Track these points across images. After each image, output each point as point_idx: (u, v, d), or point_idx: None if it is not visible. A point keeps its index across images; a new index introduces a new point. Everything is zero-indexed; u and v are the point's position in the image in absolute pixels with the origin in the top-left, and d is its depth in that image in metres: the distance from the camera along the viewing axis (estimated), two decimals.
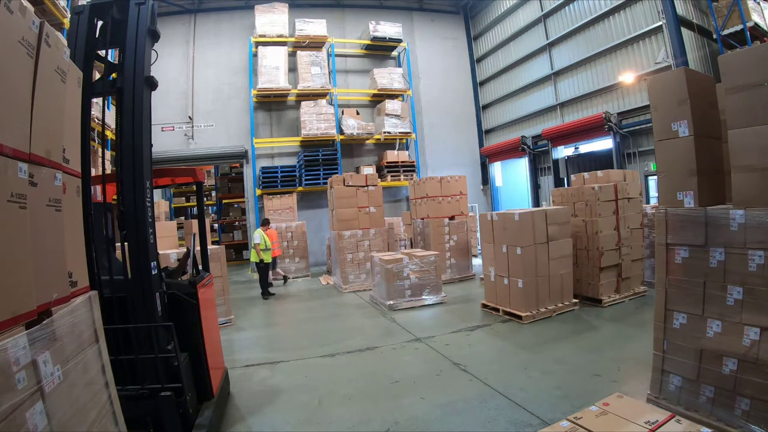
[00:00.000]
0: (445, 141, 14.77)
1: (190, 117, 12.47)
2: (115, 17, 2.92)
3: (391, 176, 12.95)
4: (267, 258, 8.59)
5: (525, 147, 13.26)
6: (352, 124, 12.75)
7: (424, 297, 7.03)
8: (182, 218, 16.31)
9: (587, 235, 6.34)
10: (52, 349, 1.36)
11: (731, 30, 8.52)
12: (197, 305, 3.31)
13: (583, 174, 7.40)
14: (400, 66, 14.12)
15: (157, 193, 14.37)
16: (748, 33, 8.33)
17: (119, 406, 1.83)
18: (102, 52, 3.01)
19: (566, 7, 11.78)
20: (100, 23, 2.97)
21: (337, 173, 11.62)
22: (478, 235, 8.39)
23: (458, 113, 15.24)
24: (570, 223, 6.23)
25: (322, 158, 12.31)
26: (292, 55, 12.74)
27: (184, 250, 4.40)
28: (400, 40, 13.64)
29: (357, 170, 12.64)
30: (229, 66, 12.90)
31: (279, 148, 12.96)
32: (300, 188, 12.34)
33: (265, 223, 9.27)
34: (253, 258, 8.68)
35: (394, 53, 14.35)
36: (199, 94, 12.64)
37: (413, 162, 13.44)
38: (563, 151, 12.54)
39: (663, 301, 3.09)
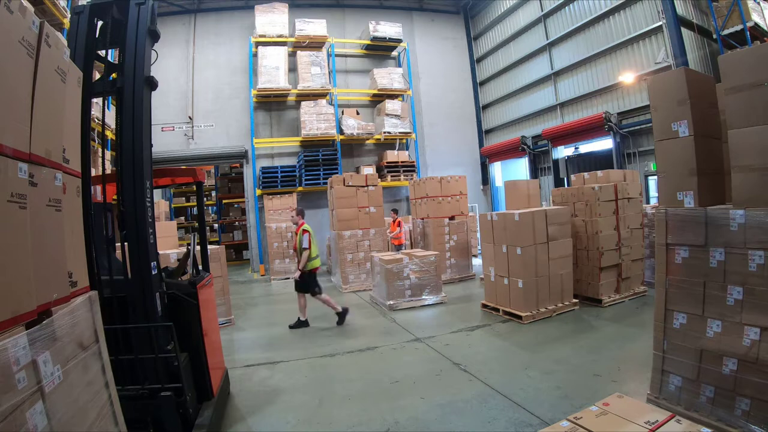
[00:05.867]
0: (445, 141, 14.77)
1: (190, 117, 12.47)
2: (115, 17, 2.92)
3: (391, 176, 12.95)
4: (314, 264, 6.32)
5: (525, 147, 13.26)
6: (352, 124, 12.75)
7: (424, 297, 7.03)
8: (182, 218, 16.33)
9: (587, 235, 6.34)
10: (52, 349, 1.36)
11: (731, 30, 8.52)
12: (197, 305, 3.31)
13: (583, 174, 7.40)
14: (400, 66, 14.12)
15: (157, 193, 14.36)
16: (748, 33, 8.32)
17: (119, 406, 1.83)
18: (102, 52, 3.01)
19: (566, 7, 11.78)
20: (100, 23, 2.97)
21: (337, 173, 11.61)
22: (478, 235, 8.39)
23: (458, 113, 15.24)
24: (570, 223, 6.24)
25: (322, 158, 12.31)
26: (292, 55, 12.73)
27: (184, 250, 4.40)
28: (400, 40, 13.64)
29: (357, 170, 12.63)
30: (229, 66, 12.90)
31: (279, 148, 12.96)
32: (300, 188, 12.34)
33: (395, 211, 7.86)
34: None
35: (394, 53, 14.35)
36: (199, 94, 12.64)
37: (413, 162, 13.44)
38: (563, 151, 12.54)
39: (663, 301, 3.09)
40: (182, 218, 16.36)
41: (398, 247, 9.88)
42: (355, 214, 9.05)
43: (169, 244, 7.77)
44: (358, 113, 13.27)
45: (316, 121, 12.22)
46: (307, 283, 6.22)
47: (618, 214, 6.43)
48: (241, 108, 12.73)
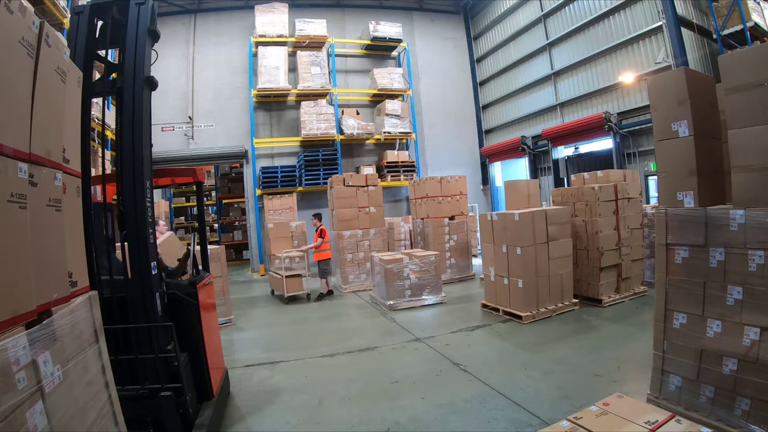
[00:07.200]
0: (445, 141, 14.77)
1: (190, 117, 12.46)
2: (115, 17, 2.92)
3: (391, 176, 12.95)
4: None
5: (525, 147, 13.26)
6: (352, 124, 12.75)
7: (424, 297, 7.03)
8: (182, 218, 16.33)
9: (587, 235, 6.34)
10: (52, 349, 1.36)
11: (731, 30, 8.52)
12: (197, 305, 3.31)
13: (583, 174, 7.40)
14: (400, 66, 14.12)
15: (157, 193, 14.37)
16: (748, 33, 8.32)
17: (119, 406, 1.83)
18: (102, 52, 3.01)
19: (566, 7, 11.78)
20: (100, 23, 2.97)
21: (337, 173, 11.61)
22: (478, 235, 8.39)
23: (458, 113, 15.24)
24: (570, 223, 6.23)
25: (322, 158, 12.31)
26: (292, 55, 12.73)
27: (184, 250, 4.40)
28: (400, 40, 13.64)
29: (357, 170, 12.63)
30: (229, 66, 12.90)
31: (279, 148, 12.96)
32: (300, 188, 12.34)
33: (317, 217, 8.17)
34: None
35: (394, 53, 14.35)
36: (199, 94, 12.63)
37: (413, 162, 13.44)
38: (563, 151, 12.54)
39: (663, 301, 3.09)
40: (182, 218, 16.36)
41: (321, 263, 8.21)
42: (355, 214, 9.06)
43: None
44: (358, 113, 13.27)
45: (316, 121, 12.21)
46: None
47: (618, 214, 6.43)
48: (241, 108, 12.73)
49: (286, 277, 7.89)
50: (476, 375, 4.11)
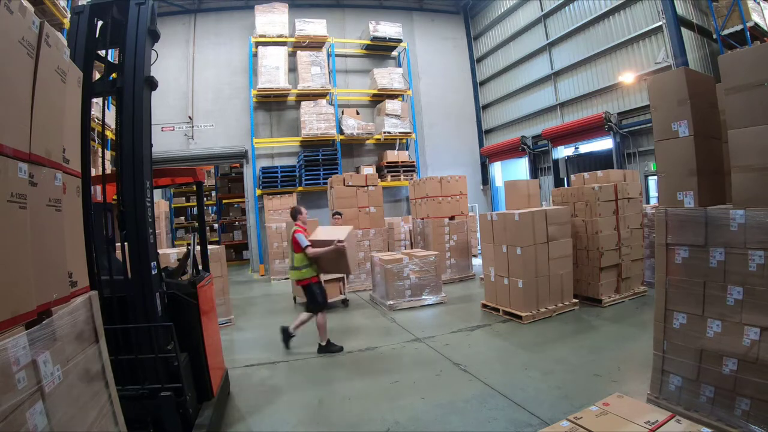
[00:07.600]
0: (445, 141, 14.77)
1: (190, 117, 12.46)
2: (115, 17, 2.92)
3: (391, 176, 12.94)
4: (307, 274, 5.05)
5: (525, 147, 13.26)
6: (352, 124, 12.75)
7: (424, 297, 7.03)
8: (182, 218, 16.33)
9: (587, 235, 6.34)
10: (52, 349, 1.36)
11: (731, 30, 8.52)
12: (197, 305, 3.31)
13: (583, 174, 7.40)
14: (400, 66, 14.12)
15: (157, 193, 14.35)
16: (748, 33, 8.32)
17: (119, 406, 1.83)
18: (102, 52, 3.02)
19: (566, 7, 11.78)
20: (100, 23, 2.97)
21: (337, 173, 11.61)
22: (478, 235, 8.39)
23: (458, 113, 15.24)
24: (570, 223, 6.23)
25: (322, 158, 12.31)
26: (292, 55, 12.73)
27: (184, 250, 4.40)
28: (400, 40, 13.64)
29: (357, 170, 12.63)
30: (229, 66, 12.90)
31: (279, 148, 12.96)
32: (300, 188, 12.34)
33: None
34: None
35: (394, 53, 14.35)
36: (199, 94, 12.63)
37: (413, 162, 13.44)
38: (563, 151, 12.54)
39: (663, 301, 3.09)
40: (182, 218, 16.37)
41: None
42: (355, 214, 9.05)
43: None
44: (358, 113, 13.27)
45: (316, 121, 12.21)
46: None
47: (618, 214, 6.43)
48: (241, 108, 12.73)
49: (325, 281, 6.72)
50: (476, 375, 4.11)
